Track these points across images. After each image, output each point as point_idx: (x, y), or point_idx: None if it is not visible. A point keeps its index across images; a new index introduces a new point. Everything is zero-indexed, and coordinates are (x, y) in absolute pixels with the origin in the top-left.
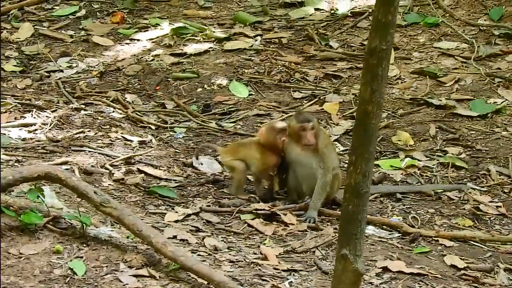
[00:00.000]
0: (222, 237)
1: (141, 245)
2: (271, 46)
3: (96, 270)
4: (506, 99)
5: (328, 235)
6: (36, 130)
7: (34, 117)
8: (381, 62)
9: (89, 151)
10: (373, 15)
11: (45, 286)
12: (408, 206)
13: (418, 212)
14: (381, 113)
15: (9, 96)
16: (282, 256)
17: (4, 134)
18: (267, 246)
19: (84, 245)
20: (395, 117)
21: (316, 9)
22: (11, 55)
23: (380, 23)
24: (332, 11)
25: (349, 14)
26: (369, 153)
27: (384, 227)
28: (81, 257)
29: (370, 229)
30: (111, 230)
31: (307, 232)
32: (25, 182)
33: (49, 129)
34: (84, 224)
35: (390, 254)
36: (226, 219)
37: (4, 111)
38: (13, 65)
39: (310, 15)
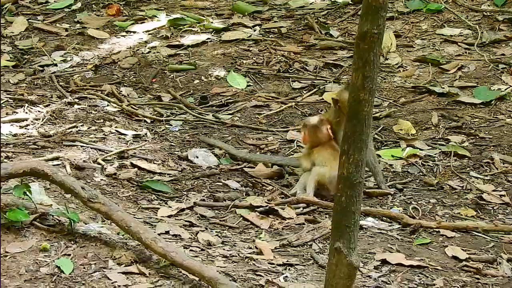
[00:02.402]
0: (216, 232)
1: (131, 241)
2: (270, 36)
3: (84, 268)
4: (510, 86)
5: (325, 228)
6: (28, 125)
7: (26, 112)
8: (373, 47)
9: (82, 146)
10: None
11: (31, 285)
12: (409, 196)
13: (419, 202)
14: (373, 100)
15: (1, 91)
16: (277, 250)
17: None
18: (263, 240)
19: (72, 243)
20: (397, 106)
21: None
22: (5, 49)
23: (371, 7)
24: (333, 0)
25: (350, 2)
26: (362, 142)
27: (384, 218)
28: (69, 255)
29: (369, 221)
30: (101, 227)
31: (304, 226)
32: (11, 179)
33: (41, 124)
34: (72, 221)
35: (390, 246)
36: (221, 213)
37: None
38: (6, 60)
39: (310, 3)
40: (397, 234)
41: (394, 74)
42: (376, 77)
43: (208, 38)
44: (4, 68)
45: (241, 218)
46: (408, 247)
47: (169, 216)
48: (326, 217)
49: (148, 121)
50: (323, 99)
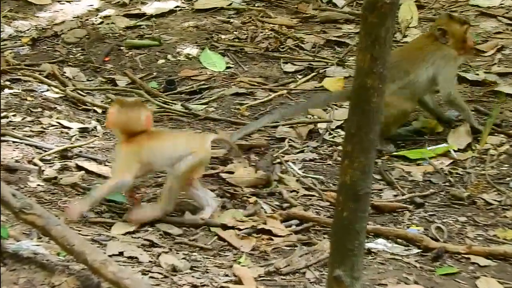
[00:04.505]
0: (183, 254)
1: (75, 264)
2: (256, 5)
3: None
4: None
5: (322, 252)
6: None
7: None
8: (384, 21)
9: (14, 142)
10: None
11: None
12: (431, 213)
13: (444, 221)
14: (384, 88)
15: None
16: (262, 278)
17: None
18: (243, 266)
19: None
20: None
21: None
22: None
23: None
24: None
25: None
26: (370, 142)
27: (399, 240)
28: None
29: (379, 244)
30: (36, 245)
31: (296, 248)
32: None
33: None
34: None
35: (406, 277)
36: (191, 230)
37: None
38: None
39: None
40: (416, 261)
41: None
42: (389, 59)
43: (177, 6)
44: None
45: (216, 237)
46: (429, 277)
47: (124, 234)
48: (324, 238)
49: (99, 111)
50: (323, 86)
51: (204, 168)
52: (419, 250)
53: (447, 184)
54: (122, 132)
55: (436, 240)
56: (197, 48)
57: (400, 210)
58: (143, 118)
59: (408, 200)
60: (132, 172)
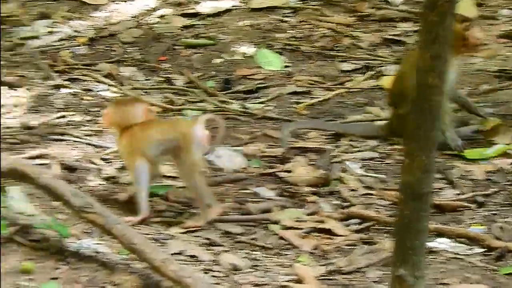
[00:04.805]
0: (244, 253)
1: (136, 263)
2: (312, 3)
3: None
4: None
5: (383, 251)
6: (5, 113)
7: (3, 97)
8: (444, 19)
9: (73, 141)
10: None
11: None
12: (493, 212)
13: (506, 220)
14: (445, 86)
15: None
16: (323, 277)
17: None
18: (304, 265)
19: (62, 263)
20: (476, 94)
21: None
22: None
23: None
24: None
25: None
26: (430, 141)
27: (461, 240)
28: (57, 278)
29: (442, 243)
30: (98, 244)
31: (357, 247)
32: None
33: (22, 113)
34: (61, 236)
35: (468, 276)
36: (251, 229)
37: None
38: None
39: None
40: (478, 260)
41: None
42: (448, 58)
43: (233, 6)
44: None
45: (276, 235)
46: (492, 277)
47: (184, 232)
48: (384, 237)
49: (157, 110)
50: (379, 85)
51: (200, 153)
52: (482, 250)
53: (508, 183)
54: (120, 128)
55: (499, 239)
56: (253, 47)
57: (461, 209)
58: (139, 111)
59: (469, 199)
60: (139, 155)
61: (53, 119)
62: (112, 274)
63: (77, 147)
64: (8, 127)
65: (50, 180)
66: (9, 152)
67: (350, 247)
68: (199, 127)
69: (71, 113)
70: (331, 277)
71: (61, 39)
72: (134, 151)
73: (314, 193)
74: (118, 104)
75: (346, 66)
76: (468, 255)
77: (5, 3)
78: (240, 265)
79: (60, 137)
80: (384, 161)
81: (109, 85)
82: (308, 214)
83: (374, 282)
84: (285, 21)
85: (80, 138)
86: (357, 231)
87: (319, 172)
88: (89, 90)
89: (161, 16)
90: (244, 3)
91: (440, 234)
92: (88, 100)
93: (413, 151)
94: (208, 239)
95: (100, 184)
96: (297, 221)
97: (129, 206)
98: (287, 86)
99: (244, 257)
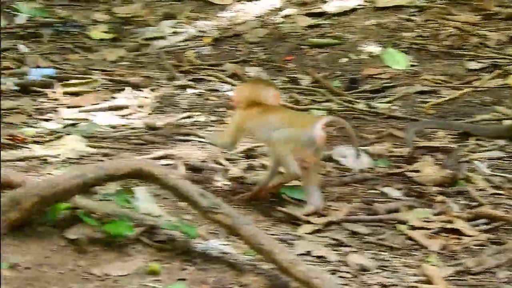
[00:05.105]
0: (372, 254)
1: (263, 264)
2: (438, 2)
3: None
4: None
5: None
6: (130, 114)
7: (128, 98)
8: None
9: (199, 142)
10: None
11: None
12: None
13: None
14: None
15: (96, 71)
16: (452, 278)
17: (89, 120)
18: (432, 265)
19: (189, 264)
20: None
21: None
22: (100, 18)
23: None
24: None
25: None
26: None
27: None
28: (184, 279)
29: None
30: (224, 244)
31: (485, 247)
32: (110, 182)
33: (147, 113)
34: (188, 237)
35: None
36: (378, 229)
37: (90, 90)
38: (103, 32)
39: None
40: None
41: None
42: None
43: (359, 5)
44: (100, 42)
45: (404, 236)
46: None
47: (311, 233)
48: None
49: None
50: (507, 83)
51: (318, 153)
52: None
53: None
54: (248, 106)
55: None
56: (379, 46)
57: None
58: (271, 93)
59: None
60: (233, 138)
61: (178, 119)
62: (240, 275)
63: (202, 147)
64: (133, 128)
65: (177, 180)
66: (134, 152)
67: (478, 247)
68: (317, 127)
69: (196, 113)
70: (459, 278)
71: (186, 39)
72: (244, 129)
73: (441, 193)
74: (252, 82)
75: (473, 65)
76: None
77: (130, 3)
78: (367, 265)
79: (185, 137)
80: None
81: (234, 85)
82: (436, 214)
83: (504, 282)
84: (411, 20)
85: (206, 139)
86: (485, 231)
87: (446, 172)
88: (214, 90)
89: (286, 16)
90: (369, 2)
91: None
92: (213, 100)
93: None
94: (335, 239)
95: (225, 185)
96: (425, 221)
97: (255, 206)
98: (413, 85)
99: (371, 258)
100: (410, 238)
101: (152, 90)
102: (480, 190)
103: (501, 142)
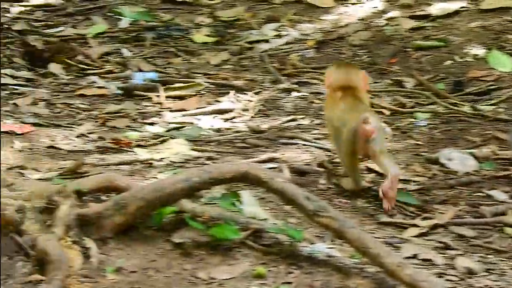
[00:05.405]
0: (479, 257)
1: (369, 267)
2: None
3: None
4: None
5: None
6: (234, 117)
7: (232, 101)
8: None
9: (303, 145)
10: None
11: None
12: None
13: None
14: None
15: (199, 75)
16: None
17: (193, 123)
18: None
19: (295, 267)
20: None
21: None
22: (203, 22)
23: None
24: None
25: None
26: None
27: None
28: (291, 283)
29: None
30: (330, 248)
31: None
32: (216, 185)
33: (251, 117)
34: (294, 240)
35: None
36: (485, 232)
37: (194, 93)
38: (205, 35)
39: None
40: None
41: None
42: None
43: (463, 7)
44: (203, 45)
45: (511, 239)
46: None
47: (417, 236)
48: None
49: (387, 113)
50: None
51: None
52: None
53: None
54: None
55: None
56: (484, 48)
57: None
58: (360, 76)
59: None
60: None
61: (282, 122)
62: (346, 278)
63: (307, 150)
64: (237, 131)
65: (283, 184)
66: (239, 156)
67: None
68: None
69: (300, 116)
70: None
71: (289, 42)
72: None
73: None
74: (342, 66)
75: None
76: None
77: (233, 7)
78: (475, 268)
79: (289, 140)
80: None
81: None
82: None
83: None
84: None
85: (310, 142)
86: None
87: None
88: (319, 93)
89: (390, 19)
90: (473, 4)
91: None
92: (317, 103)
93: None
94: (441, 242)
95: (330, 188)
96: None
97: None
98: None
99: (478, 261)
100: None
101: (256, 93)
102: None
103: None
